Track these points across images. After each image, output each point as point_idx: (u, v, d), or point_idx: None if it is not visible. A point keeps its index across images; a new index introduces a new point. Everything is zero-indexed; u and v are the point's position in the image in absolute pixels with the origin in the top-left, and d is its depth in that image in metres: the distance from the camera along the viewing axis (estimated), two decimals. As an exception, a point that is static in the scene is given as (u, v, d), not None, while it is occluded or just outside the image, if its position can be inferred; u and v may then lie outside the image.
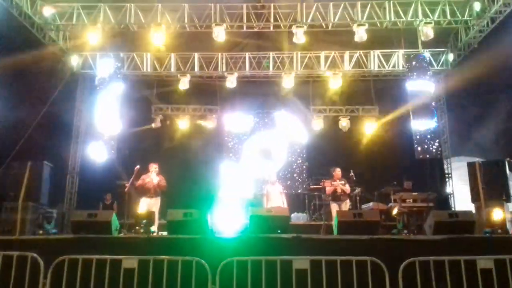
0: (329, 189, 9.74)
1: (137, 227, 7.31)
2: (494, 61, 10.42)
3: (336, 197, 9.65)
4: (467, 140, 12.69)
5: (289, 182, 13.67)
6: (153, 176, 9.37)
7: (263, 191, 10.91)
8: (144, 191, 9.30)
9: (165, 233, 7.85)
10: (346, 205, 9.71)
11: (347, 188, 9.71)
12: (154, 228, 8.51)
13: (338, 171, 9.89)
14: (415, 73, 11.68)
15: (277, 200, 10.28)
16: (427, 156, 11.29)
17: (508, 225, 8.65)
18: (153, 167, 9.47)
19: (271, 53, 13.10)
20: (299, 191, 13.36)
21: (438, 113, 13.15)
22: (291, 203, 11.37)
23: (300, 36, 10.92)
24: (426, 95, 11.47)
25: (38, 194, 9.34)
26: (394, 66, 13.01)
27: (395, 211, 9.10)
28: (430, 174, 12.31)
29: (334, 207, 9.57)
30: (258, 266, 4.99)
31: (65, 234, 9.84)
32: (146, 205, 9.02)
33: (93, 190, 12.19)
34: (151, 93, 13.80)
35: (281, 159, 14.08)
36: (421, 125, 11.38)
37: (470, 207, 9.63)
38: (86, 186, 12.88)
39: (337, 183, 9.70)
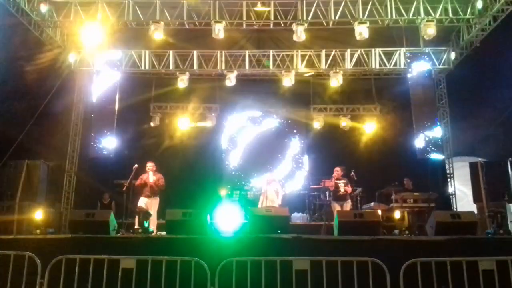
0: (331, 185, 9.66)
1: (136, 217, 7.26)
2: (496, 60, 10.37)
3: (338, 196, 9.59)
4: (469, 140, 12.61)
5: (289, 181, 13.59)
6: (150, 175, 9.34)
7: (261, 190, 10.86)
8: (143, 190, 9.29)
9: (163, 233, 7.80)
10: (348, 205, 9.64)
11: (349, 188, 9.64)
12: (152, 227, 8.48)
13: (337, 170, 9.80)
14: (416, 72, 11.61)
15: (273, 199, 10.25)
16: (429, 155, 11.24)
17: (510, 225, 8.60)
18: (149, 166, 9.44)
19: (271, 51, 13.01)
20: (299, 190, 13.27)
21: (440, 112, 13.08)
22: (291, 203, 11.32)
23: (300, 33, 10.82)
24: (427, 94, 11.40)
25: (35, 193, 9.27)
26: (395, 65, 12.90)
27: (397, 214, 9.05)
28: (432, 174, 12.22)
29: (335, 207, 9.50)
30: (257, 266, 4.95)
31: (62, 233, 9.77)
32: (144, 205, 9.01)
33: (91, 190, 12.11)
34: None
35: (281, 158, 14.00)
36: (423, 124, 11.32)
37: (472, 207, 9.57)
38: (84, 185, 12.79)
39: (339, 182, 9.62)
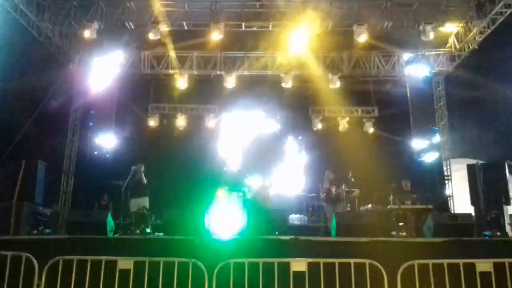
0: (324, 188, 9.71)
1: (132, 227, 7.28)
2: (494, 62, 10.40)
3: (330, 199, 9.62)
4: (467, 142, 12.63)
5: (287, 183, 13.57)
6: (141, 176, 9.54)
7: (256, 191, 10.87)
8: (133, 191, 9.39)
9: (161, 234, 7.78)
10: (340, 207, 9.65)
11: (341, 190, 9.66)
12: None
13: (327, 174, 9.84)
14: (415, 74, 11.63)
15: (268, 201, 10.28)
16: (427, 157, 11.25)
17: (507, 228, 8.61)
18: (138, 167, 9.67)
19: (270, 52, 13.00)
20: (297, 192, 13.25)
21: (438, 114, 13.10)
22: (290, 204, 11.33)
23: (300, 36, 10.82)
24: (426, 96, 11.43)
25: (33, 194, 9.23)
26: (393, 67, 12.94)
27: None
28: (430, 176, 12.25)
29: (328, 209, 9.54)
30: (255, 268, 4.94)
31: (59, 234, 9.75)
32: (136, 206, 9.06)
33: (89, 190, 12.08)
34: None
35: (279, 160, 13.98)
36: (421, 126, 11.35)
37: (470, 209, 9.58)
38: (82, 186, 12.75)
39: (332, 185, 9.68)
